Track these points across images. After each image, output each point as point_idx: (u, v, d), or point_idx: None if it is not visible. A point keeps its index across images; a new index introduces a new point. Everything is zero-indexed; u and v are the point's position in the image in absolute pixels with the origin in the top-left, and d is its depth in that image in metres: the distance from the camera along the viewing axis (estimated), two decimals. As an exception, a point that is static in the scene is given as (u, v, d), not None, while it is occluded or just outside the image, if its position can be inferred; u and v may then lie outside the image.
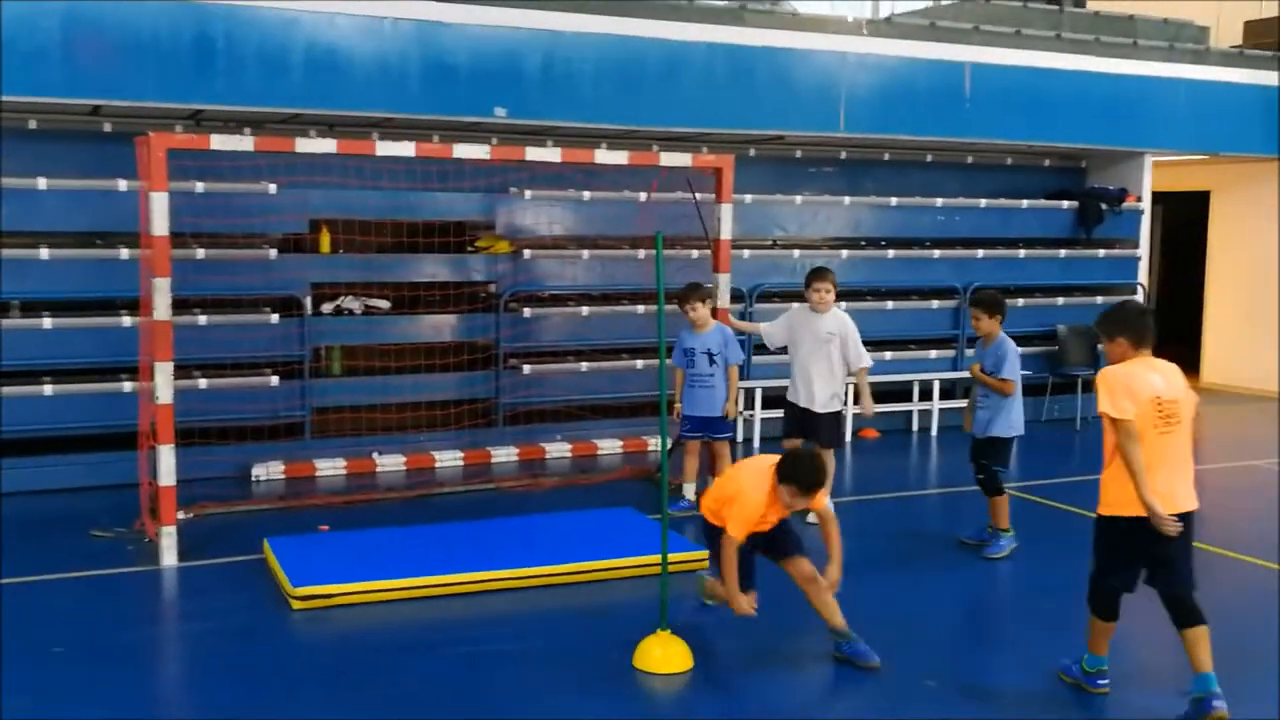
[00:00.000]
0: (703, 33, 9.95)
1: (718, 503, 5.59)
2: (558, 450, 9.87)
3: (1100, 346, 11.47)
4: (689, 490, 8.10)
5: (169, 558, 6.80)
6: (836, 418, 7.86)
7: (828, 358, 7.68)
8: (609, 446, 10.05)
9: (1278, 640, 5.84)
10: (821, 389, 7.70)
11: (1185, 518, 4.88)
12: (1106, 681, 5.17)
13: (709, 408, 7.93)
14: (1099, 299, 12.57)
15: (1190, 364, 15.04)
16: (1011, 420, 7.22)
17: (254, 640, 5.70)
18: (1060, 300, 12.32)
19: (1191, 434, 5.00)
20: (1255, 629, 6.06)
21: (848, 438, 10.77)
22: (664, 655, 5.31)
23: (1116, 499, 4.93)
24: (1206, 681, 4.88)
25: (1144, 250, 13.02)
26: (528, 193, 10.06)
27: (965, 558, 7.24)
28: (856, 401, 8.02)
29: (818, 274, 7.76)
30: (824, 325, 7.70)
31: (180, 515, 6.97)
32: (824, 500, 5.52)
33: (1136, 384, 4.87)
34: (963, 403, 11.60)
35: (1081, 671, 5.22)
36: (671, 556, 5.86)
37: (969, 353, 11.76)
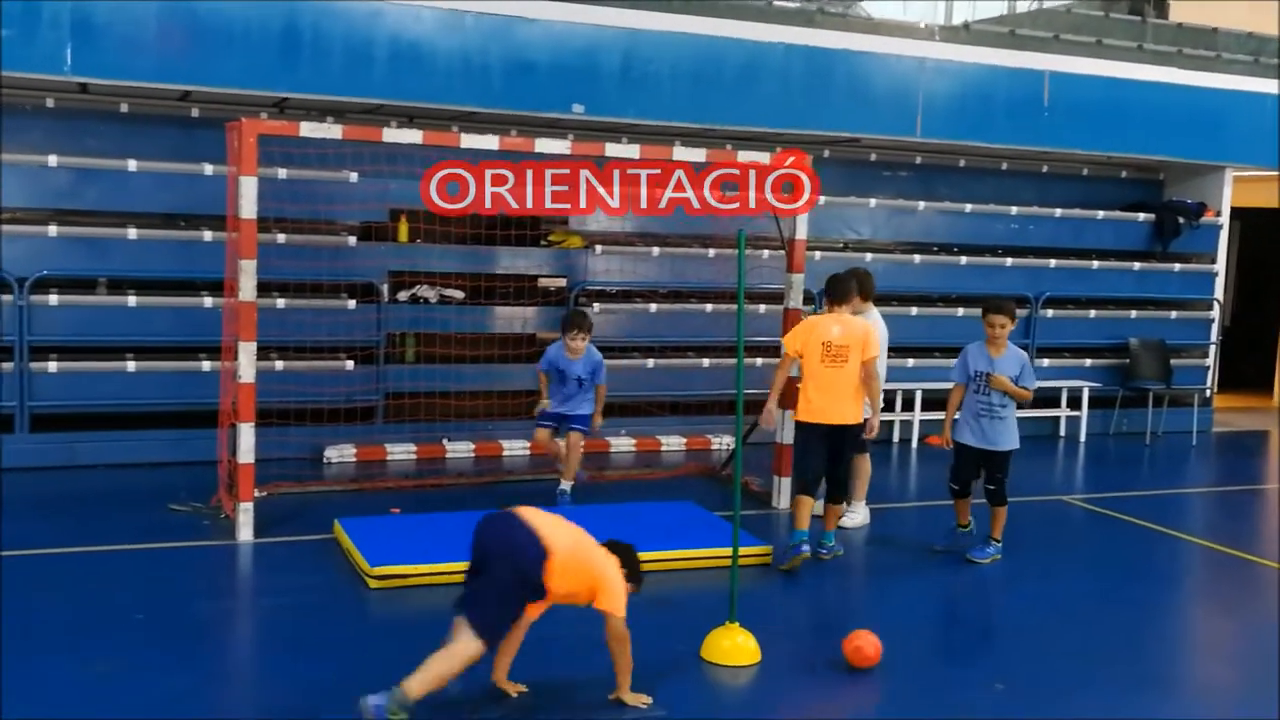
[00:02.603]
0: (780, 34, 9.98)
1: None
2: (622, 444, 9.95)
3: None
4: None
5: (245, 533, 6.95)
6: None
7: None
8: (673, 443, 10.10)
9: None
10: None
11: (843, 428, 6.85)
12: (809, 545, 6.78)
13: (574, 408, 8.09)
14: (1173, 314, 12.45)
15: (1264, 383, 14.83)
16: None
17: (330, 616, 5.82)
18: (1133, 313, 12.19)
19: (863, 371, 6.85)
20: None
21: (913, 444, 10.76)
22: (733, 648, 5.34)
23: (800, 410, 6.91)
24: (830, 537, 7.08)
25: (1221, 266, 12.82)
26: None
27: (1030, 563, 7.20)
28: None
29: None
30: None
31: (255, 493, 7.12)
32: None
33: (817, 331, 6.87)
34: (1036, 412, 11.56)
35: (817, 545, 6.94)
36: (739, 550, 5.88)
37: (1041, 362, 11.69)
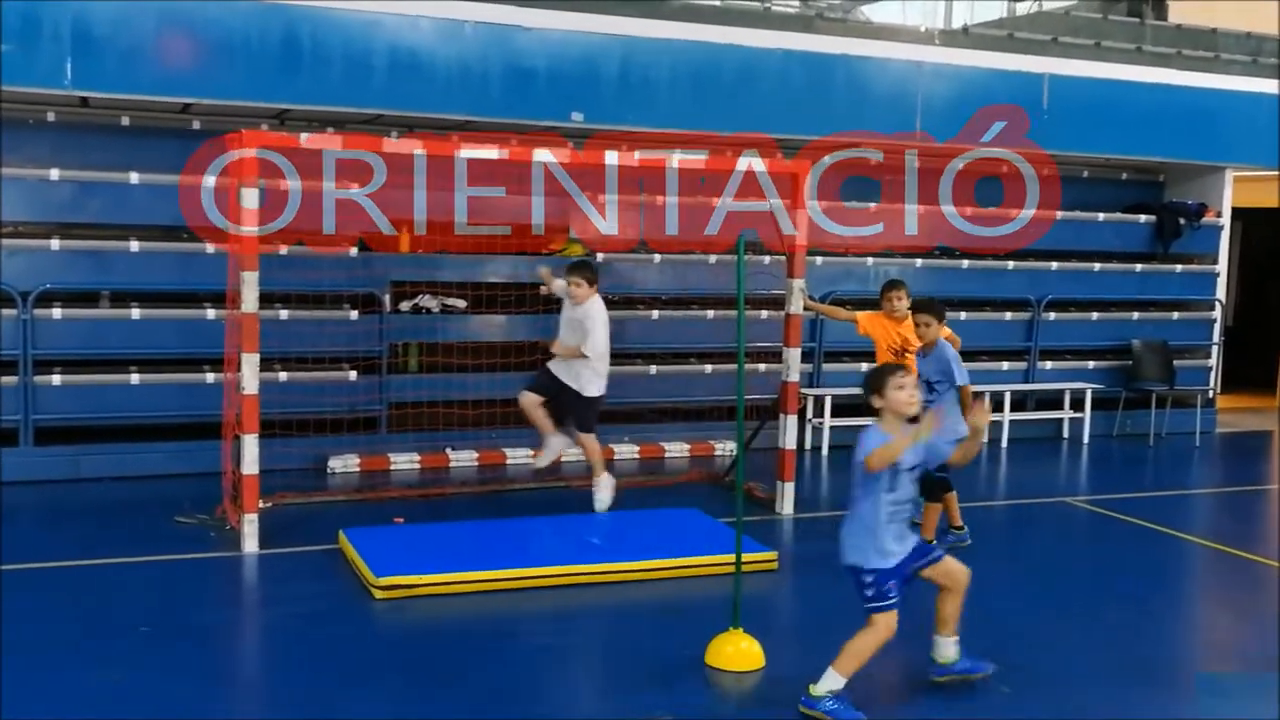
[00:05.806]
0: (779, 39, 10.01)
1: None
2: (626, 451, 9.95)
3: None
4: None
5: (250, 544, 6.96)
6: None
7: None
8: (676, 449, 10.10)
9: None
10: None
11: None
12: None
13: None
14: (1175, 314, 12.45)
15: (1268, 383, 14.82)
16: None
17: (336, 627, 5.82)
18: (1135, 315, 12.19)
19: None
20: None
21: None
22: (736, 653, 5.34)
23: None
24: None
25: (1223, 266, 12.82)
26: (601, 196, 10.15)
27: (1034, 564, 7.20)
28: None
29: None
30: None
31: (260, 504, 7.13)
32: None
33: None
34: (1039, 415, 11.59)
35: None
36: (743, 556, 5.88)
37: (1044, 365, 11.71)
